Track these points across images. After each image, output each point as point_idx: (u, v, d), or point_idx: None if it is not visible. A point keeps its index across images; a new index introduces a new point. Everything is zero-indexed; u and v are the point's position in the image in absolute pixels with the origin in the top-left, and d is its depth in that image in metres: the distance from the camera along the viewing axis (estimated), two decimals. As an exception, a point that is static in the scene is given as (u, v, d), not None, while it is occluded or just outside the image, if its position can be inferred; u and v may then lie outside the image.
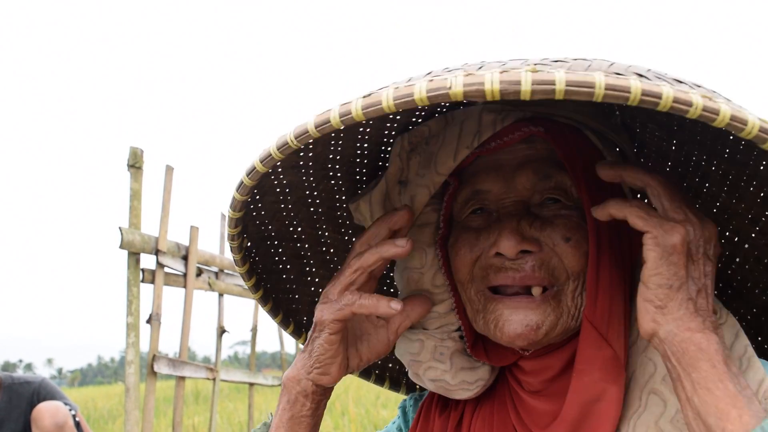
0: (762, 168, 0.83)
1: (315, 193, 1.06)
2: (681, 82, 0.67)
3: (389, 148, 1.05)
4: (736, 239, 0.97)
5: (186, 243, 5.28)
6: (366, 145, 1.03)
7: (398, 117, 0.98)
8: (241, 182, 0.84)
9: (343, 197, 1.11)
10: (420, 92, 0.63)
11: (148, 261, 4.70)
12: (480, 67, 0.67)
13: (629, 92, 0.59)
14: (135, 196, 4.49)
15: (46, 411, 4.08)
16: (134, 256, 4.43)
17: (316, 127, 0.71)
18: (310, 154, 0.96)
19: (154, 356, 4.61)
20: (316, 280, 1.17)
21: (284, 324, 1.12)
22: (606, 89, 0.59)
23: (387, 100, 0.65)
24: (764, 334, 1.02)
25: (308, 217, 1.09)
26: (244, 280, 1.04)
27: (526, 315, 0.85)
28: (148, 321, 4.60)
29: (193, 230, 5.38)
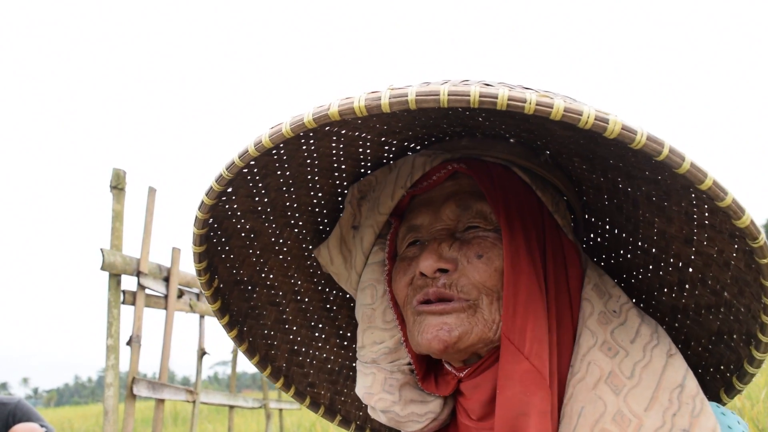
0: (668, 182, 0.87)
1: (281, 241, 1.13)
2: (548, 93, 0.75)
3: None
4: (680, 264, 1.00)
5: (168, 264, 5.27)
6: (320, 194, 1.12)
7: (343, 167, 1.08)
8: (200, 204, 0.92)
9: (310, 246, 1.17)
10: (308, 116, 0.74)
11: (129, 282, 4.70)
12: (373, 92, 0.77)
13: (469, 96, 0.67)
14: (117, 217, 4.48)
15: (21, 433, 4.03)
16: (115, 277, 4.41)
17: (255, 146, 0.81)
18: (266, 200, 1.05)
19: (133, 378, 4.58)
20: (294, 328, 1.20)
21: (261, 366, 1.15)
22: (449, 95, 0.68)
23: (285, 126, 0.77)
24: (725, 362, 1.01)
25: (279, 265, 1.15)
26: (218, 318, 1.08)
27: (442, 319, 0.90)
28: (128, 343, 4.58)
29: (175, 252, 5.37)
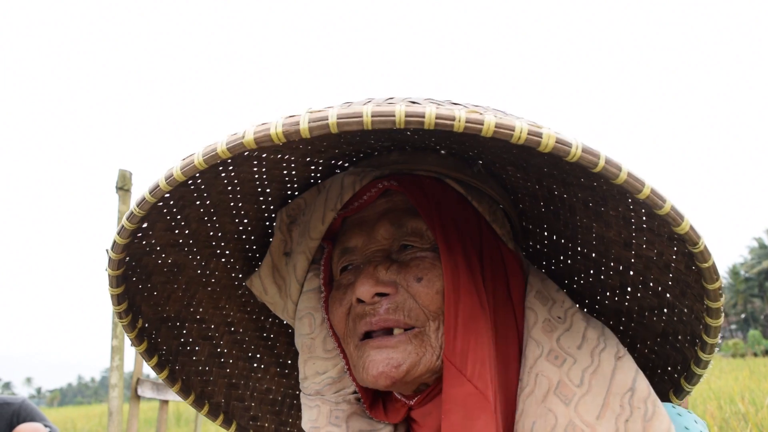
0: (605, 188, 0.85)
1: (207, 272, 1.08)
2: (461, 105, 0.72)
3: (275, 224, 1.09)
4: (620, 268, 0.98)
5: (172, 265, 5.28)
6: (246, 221, 1.06)
7: (268, 191, 1.02)
8: (112, 243, 0.88)
9: (240, 275, 1.12)
10: (222, 146, 0.69)
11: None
12: (291, 116, 0.71)
13: (394, 116, 0.64)
14: (122, 218, 4.50)
15: (26, 433, 4.03)
16: (120, 278, 4.44)
17: (138, 206, 0.80)
18: (187, 231, 0.99)
19: (138, 379, 4.59)
20: (230, 361, 1.16)
21: (198, 405, 1.09)
22: (373, 116, 0.64)
23: (198, 157, 0.71)
24: (672, 363, 1.01)
25: (208, 297, 1.10)
26: (145, 360, 1.02)
27: (388, 354, 0.86)
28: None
29: (180, 253, 5.39)
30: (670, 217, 0.72)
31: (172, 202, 0.92)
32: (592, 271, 1.04)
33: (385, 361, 0.86)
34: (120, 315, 0.96)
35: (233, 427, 1.14)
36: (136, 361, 4.57)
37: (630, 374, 0.83)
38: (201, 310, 1.10)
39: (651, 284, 0.95)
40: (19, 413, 4.21)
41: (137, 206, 0.80)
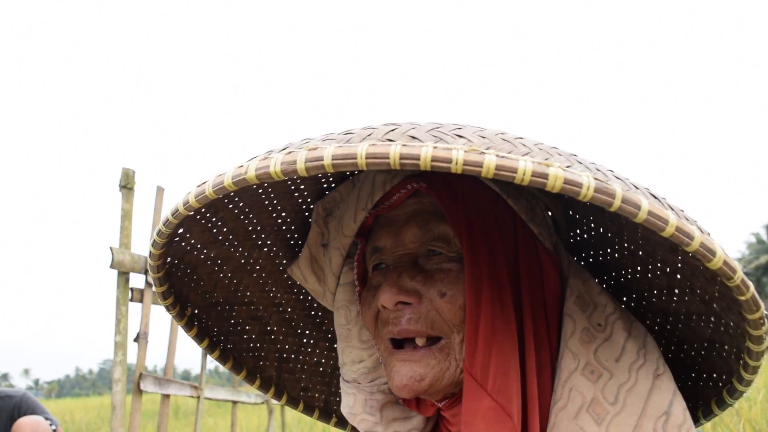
0: None
1: (252, 261, 1.11)
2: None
3: None
4: (668, 270, 0.95)
5: (174, 262, 5.32)
6: (284, 214, 1.07)
7: (302, 187, 1.04)
8: (149, 253, 0.90)
9: (284, 261, 1.15)
10: (227, 180, 0.71)
11: (137, 280, 4.76)
12: (290, 152, 0.70)
13: (388, 158, 0.62)
14: (126, 216, 4.54)
15: (26, 426, 4.06)
16: (124, 275, 4.48)
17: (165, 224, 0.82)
18: (225, 229, 1.02)
19: (140, 374, 4.64)
20: (280, 337, 1.20)
21: (250, 379, 1.14)
22: (367, 158, 0.62)
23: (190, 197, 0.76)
24: (717, 371, 0.97)
25: (254, 283, 1.13)
26: (197, 343, 1.07)
27: (412, 367, 0.88)
28: (136, 339, 4.64)
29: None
30: (699, 254, 0.68)
31: (203, 210, 0.94)
32: (639, 269, 1.01)
33: (408, 375, 0.88)
34: (168, 308, 1.00)
35: (284, 398, 1.18)
36: (138, 356, 4.63)
37: (667, 396, 0.82)
38: (249, 294, 1.13)
39: (698, 291, 0.91)
40: (20, 406, 4.24)
41: (171, 215, 0.81)
